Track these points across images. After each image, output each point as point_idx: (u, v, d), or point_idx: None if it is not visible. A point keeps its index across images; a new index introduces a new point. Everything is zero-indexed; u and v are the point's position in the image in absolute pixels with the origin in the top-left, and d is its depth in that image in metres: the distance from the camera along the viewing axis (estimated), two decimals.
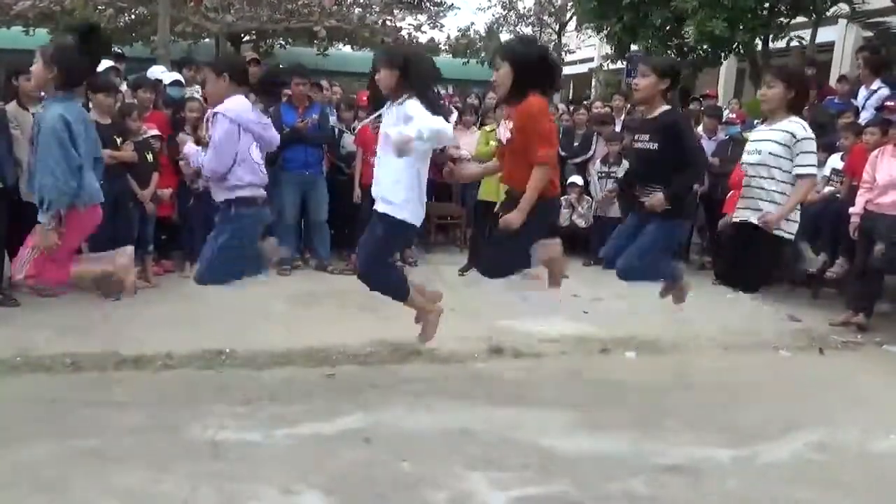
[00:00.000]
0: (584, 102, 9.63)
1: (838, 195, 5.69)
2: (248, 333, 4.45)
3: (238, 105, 3.32)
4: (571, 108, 8.25)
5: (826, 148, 6.10)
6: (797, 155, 3.48)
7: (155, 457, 3.03)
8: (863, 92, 6.88)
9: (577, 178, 7.17)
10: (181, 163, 5.64)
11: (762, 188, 3.59)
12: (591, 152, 7.35)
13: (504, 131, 3.37)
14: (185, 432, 3.25)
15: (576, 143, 7.46)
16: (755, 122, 7.75)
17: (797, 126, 3.50)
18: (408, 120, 3.15)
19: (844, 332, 5.09)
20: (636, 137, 3.69)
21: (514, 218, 3.25)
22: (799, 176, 3.51)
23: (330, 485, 2.88)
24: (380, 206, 3.35)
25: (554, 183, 3.37)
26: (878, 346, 4.89)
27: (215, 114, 3.26)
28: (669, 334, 4.85)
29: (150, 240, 5.71)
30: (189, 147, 3.43)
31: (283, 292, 5.59)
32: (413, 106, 3.19)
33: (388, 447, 3.20)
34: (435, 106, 3.23)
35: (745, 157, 3.71)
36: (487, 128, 6.69)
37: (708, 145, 7.06)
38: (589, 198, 7.17)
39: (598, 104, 8.54)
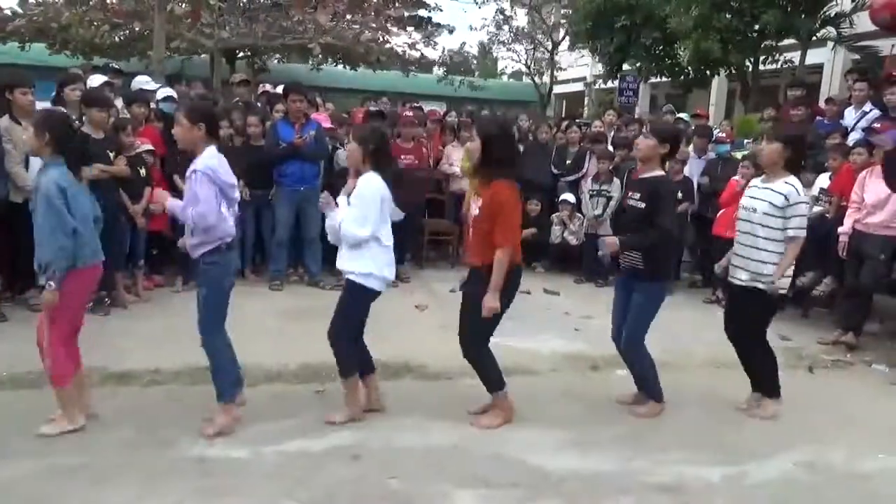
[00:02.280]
0: (577, 120, 9.69)
1: (827, 215, 5.74)
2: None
3: (216, 163, 3.34)
4: (564, 125, 8.29)
5: (814, 168, 6.17)
6: (790, 218, 3.65)
7: (141, 473, 3.01)
8: (852, 113, 6.96)
9: (569, 196, 7.21)
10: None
11: (754, 247, 3.74)
12: (583, 170, 7.40)
13: (474, 207, 3.63)
14: (173, 449, 3.23)
15: (568, 161, 7.51)
16: (745, 141, 7.85)
17: (792, 190, 3.65)
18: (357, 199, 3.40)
19: (834, 352, 5.11)
20: (629, 194, 3.90)
21: (492, 303, 3.44)
22: (789, 238, 3.67)
23: (318, 502, 2.86)
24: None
25: (514, 254, 3.52)
26: (867, 366, 4.91)
27: (195, 171, 3.29)
28: (659, 352, 4.83)
29: (141, 254, 5.70)
30: (172, 202, 3.45)
31: (274, 308, 5.58)
32: (364, 187, 3.40)
33: (376, 464, 3.19)
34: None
35: (741, 213, 3.87)
36: (469, 144, 6.74)
37: (698, 164, 7.14)
38: (581, 215, 7.21)
39: (598, 123, 8.61)
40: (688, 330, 5.34)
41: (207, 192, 3.26)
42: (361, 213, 3.38)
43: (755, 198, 3.77)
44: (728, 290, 3.98)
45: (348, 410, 3.60)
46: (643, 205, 3.69)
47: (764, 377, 3.96)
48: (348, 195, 3.51)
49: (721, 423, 3.83)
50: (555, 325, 5.33)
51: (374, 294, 3.52)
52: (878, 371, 4.84)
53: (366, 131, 3.61)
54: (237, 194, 3.57)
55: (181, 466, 3.09)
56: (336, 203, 3.53)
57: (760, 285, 3.71)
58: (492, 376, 3.67)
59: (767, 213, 3.68)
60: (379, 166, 3.46)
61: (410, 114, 7.44)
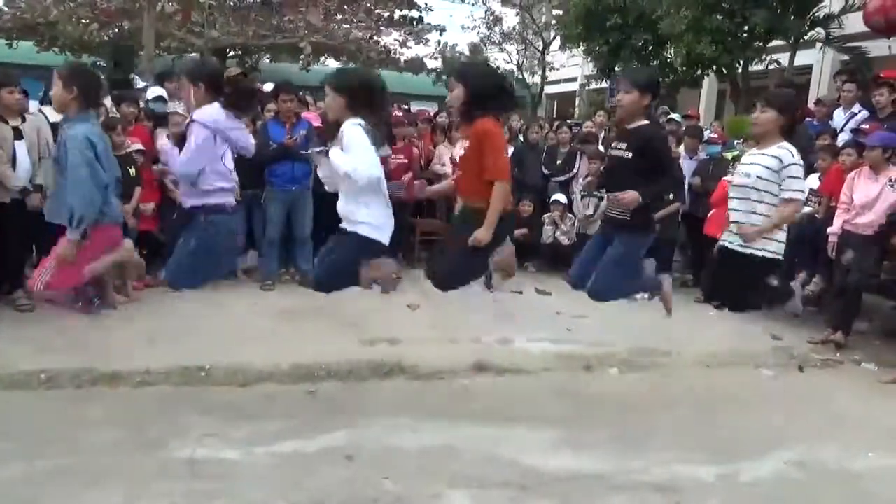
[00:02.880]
0: (568, 121, 9.72)
1: (816, 215, 5.78)
2: (229, 349, 4.40)
3: (213, 112, 3.32)
4: (555, 125, 8.31)
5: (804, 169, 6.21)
6: (784, 179, 3.58)
7: (132, 476, 2.98)
8: (841, 114, 7.01)
9: (560, 196, 7.22)
10: (165, 177, 5.63)
11: (750, 211, 3.66)
12: (574, 171, 7.41)
13: (459, 149, 3.44)
14: (163, 450, 3.20)
15: (559, 162, 7.52)
16: (735, 142, 7.88)
17: (786, 152, 3.59)
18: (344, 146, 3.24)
19: (824, 351, 5.14)
20: (613, 145, 3.79)
21: (483, 235, 3.33)
22: (784, 200, 3.60)
23: (311, 503, 2.84)
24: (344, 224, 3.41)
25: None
26: (856, 365, 4.94)
27: (192, 121, 3.29)
28: (652, 352, 4.87)
29: None
30: (163, 142, 3.43)
31: (265, 308, 5.55)
32: (350, 134, 3.24)
33: (370, 465, 3.17)
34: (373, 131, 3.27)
35: (734, 179, 3.79)
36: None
37: (689, 164, 7.16)
38: (572, 216, 7.22)
39: (589, 124, 8.62)
40: (679, 329, 5.35)
41: (198, 142, 3.23)
42: (361, 158, 3.20)
43: (750, 163, 3.71)
44: (719, 254, 3.87)
45: (395, 273, 3.51)
46: (629, 154, 3.58)
47: (768, 297, 3.91)
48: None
49: (714, 422, 3.84)
50: (547, 325, 5.33)
51: (379, 245, 3.38)
52: (867, 370, 4.88)
53: (344, 81, 3.38)
54: (247, 140, 3.52)
55: (172, 468, 3.07)
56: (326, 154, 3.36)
57: (756, 252, 3.62)
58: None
59: (761, 177, 3.60)
60: (362, 113, 3.28)
61: (400, 113, 7.42)
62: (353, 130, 3.24)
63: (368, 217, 3.34)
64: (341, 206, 3.39)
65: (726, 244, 3.78)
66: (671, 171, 3.63)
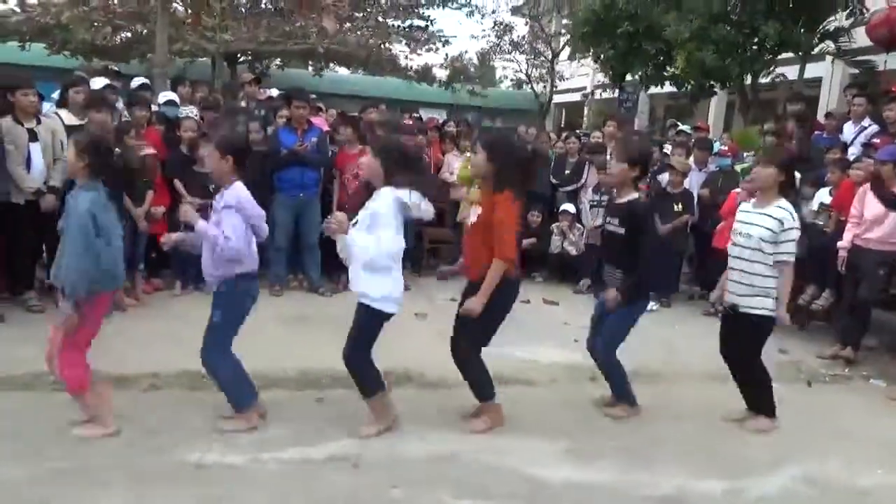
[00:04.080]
0: (577, 131, 9.73)
1: (827, 229, 5.76)
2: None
3: (242, 196, 3.42)
4: (563, 135, 8.31)
5: (814, 182, 6.20)
6: (781, 242, 3.71)
7: (138, 479, 2.99)
8: (850, 128, 7.00)
9: (569, 206, 7.22)
10: (184, 196, 5.67)
11: (751, 272, 3.78)
12: (582, 180, 7.41)
13: (473, 216, 3.63)
14: (170, 454, 3.21)
15: (567, 172, 7.53)
16: (744, 154, 7.87)
17: (787, 214, 3.72)
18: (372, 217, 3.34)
19: (832, 366, 5.12)
20: (608, 220, 3.96)
21: (474, 305, 3.46)
22: (781, 262, 3.73)
23: None
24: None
25: (510, 268, 3.52)
26: (865, 381, 4.92)
27: (228, 206, 3.38)
28: (658, 364, 4.86)
29: (141, 258, 5.69)
30: (204, 225, 3.45)
31: (273, 314, 5.55)
32: (380, 202, 3.34)
33: (376, 473, 3.17)
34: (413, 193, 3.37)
35: (735, 238, 3.91)
36: (469, 154, 6.76)
37: (698, 176, 7.16)
38: (580, 226, 7.22)
39: (598, 134, 8.63)
40: (687, 342, 5.35)
41: (237, 229, 3.34)
42: (381, 232, 3.31)
43: (750, 223, 3.82)
44: (724, 312, 4.03)
45: (379, 423, 3.56)
46: (622, 230, 3.75)
47: (760, 397, 3.98)
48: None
49: (720, 436, 3.83)
50: (553, 336, 5.33)
51: (389, 316, 3.48)
52: (876, 386, 4.85)
53: (385, 144, 3.54)
54: (264, 225, 3.61)
55: (179, 472, 3.08)
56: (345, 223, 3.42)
57: (758, 311, 3.77)
58: (481, 384, 3.69)
59: (763, 239, 3.73)
60: (398, 178, 3.36)
61: (410, 122, 7.44)
62: (380, 204, 3.34)
63: (376, 290, 3.39)
64: (351, 275, 3.46)
65: (733, 302, 3.88)
66: (644, 252, 3.71)
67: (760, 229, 3.74)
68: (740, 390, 4.03)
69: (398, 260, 3.48)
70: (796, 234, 3.73)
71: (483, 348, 3.69)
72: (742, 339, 3.90)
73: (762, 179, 3.81)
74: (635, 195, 3.80)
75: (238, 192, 3.41)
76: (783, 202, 3.75)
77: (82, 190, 3.28)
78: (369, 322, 3.45)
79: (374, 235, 3.32)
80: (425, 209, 3.50)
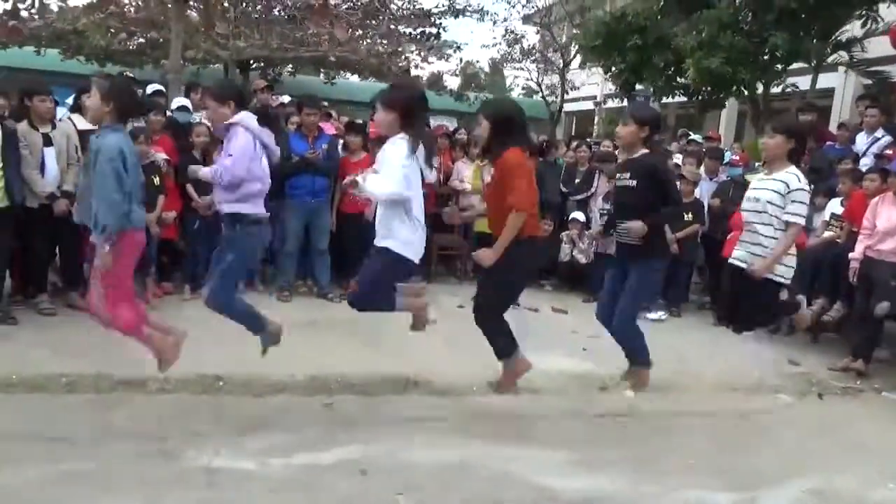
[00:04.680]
0: (588, 140, 9.73)
1: (838, 240, 5.73)
2: (247, 359, 4.40)
3: (248, 119, 3.49)
4: (574, 144, 8.32)
5: (826, 193, 6.17)
6: (789, 203, 3.71)
7: (147, 482, 3.00)
8: (863, 138, 6.96)
9: (578, 215, 7.21)
10: (195, 199, 5.73)
11: (760, 233, 3.79)
12: (592, 189, 7.40)
13: (487, 178, 3.56)
14: (180, 458, 3.23)
15: (577, 180, 7.53)
16: (756, 164, 7.84)
17: (793, 177, 3.73)
18: (381, 164, 3.41)
19: (844, 378, 5.07)
20: (618, 176, 3.96)
21: (485, 254, 3.47)
22: (786, 222, 3.72)
23: None
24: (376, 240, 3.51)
25: (531, 225, 3.50)
26: (877, 393, 4.88)
27: (233, 125, 3.44)
28: (668, 374, 4.82)
29: (151, 262, 5.72)
30: (204, 170, 3.56)
31: (282, 319, 5.52)
32: (389, 151, 3.39)
33: (383, 480, 3.17)
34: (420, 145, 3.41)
35: (745, 204, 3.93)
36: (480, 162, 6.77)
37: (709, 186, 7.14)
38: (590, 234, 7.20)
39: (607, 143, 8.63)
40: (697, 352, 5.32)
41: (243, 143, 3.37)
42: (387, 176, 3.35)
43: (759, 188, 3.85)
44: (731, 275, 3.98)
45: (424, 307, 3.68)
46: (634, 182, 3.73)
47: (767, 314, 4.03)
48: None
49: (730, 447, 3.80)
50: (563, 344, 5.31)
51: (409, 263, 3.46)
52: (888, 399, 4.81)
53: (398, 98, 3.51)
54: (274, 147, 3.67)
55: (188, 476, 3.09)
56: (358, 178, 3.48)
57: (767, 274, 3.72)
58: (500, 344, 3.69)
59: (770, 202, 3.73)
60: (410, 129, 3.40)
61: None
62: (394, 148, 3.38)
63: (397, 233, 3.42)
64: (377, 221, 3.50)
65: (736, 262, 3.89)
66: (673, 196, 3.78)
67: (767, 192, 3.76)
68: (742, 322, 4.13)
69: (418, 212, 3.46)
70: (804, 195, 3.72)
71: (489, 354, 3.67)
72: (747, 299, 3.89)
73: (770, 148, 3.83)
74: (646, 151, 3.79)
75: (244, 116, 3.46)
76: (792, 168, 3.76)
77: (109, 131, 3.37)
78: (387, 265, 3.45)
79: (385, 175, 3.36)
80: (428, 171, 3.54)
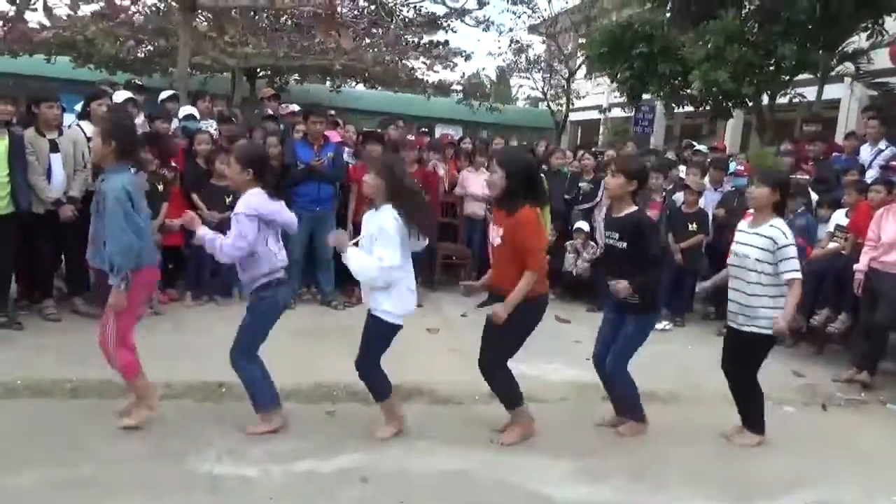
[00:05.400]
0: (593, 149, 9.73)
1: (843, 251, 5.71)
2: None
3: (257, 200, 3.51)
4: (579, 153, 8.33)
5: (831, 204, 6.16)
6: (780, 261, 3.73)
7: (150, 488, 3.02)
8: (867, 150, 6.96)
9: (583, 225, 7.21)
10: (200, 207, 5.77)
11: (747, 292, 3.81)
12: (598, 198, 7.40)
13: (495, 236, 3.70)
14: (182, 464, 3.24)
15: (581, 190, 7.52)
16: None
17: (779, 233, 3.75)
18: (372, 233, 3.49)
19: (848, 390, 5.05)
20: (607, 234, 3.98)
21: (500, 311, 3.53)
22: (787, 280, 3.74)
23: None
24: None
25: (540, 283, 3.61)
26: (881, 405, 4.85)
27: (236, 214, 3.49)
28: (672, 384, 4.83)
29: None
30: (204, 231, 3.60)
31: (286, 327, 5.50)
32: (380, 222, 3.46)
33: (385, 488, 3.18)
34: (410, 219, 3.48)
35: (732, 259, 3.96)
36: (492, 177, 6.77)
37: (713, 196, 7.13)
38: (594, 244, 7.20)
39: (611, 153, 8.64)
40: (700, 363, 5.30)
41: (241, 235, 3.42)
42: (380, 255, 3.42)
43: (745, 244, 3.86)
44: (727, 330, 4.06)
45: (391, 426, 3.71)
46: (623, 244, 3.78)
47: (752, 414, 4.01)
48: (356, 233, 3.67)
49: (733, 458, 3.79)
50: (565, 354, 5.30)
51: (397, 328, 3.61)
52: (892, 410, 4.78)
53: (387, 165, 3.62)
54: (290, 217, 3.71)
55: (190, 482, 3.10)
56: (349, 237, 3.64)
57: (756, 329, 3.79)
58: (509, 394, 3.75)
59: (759, 259, 3.76)
60: (399, 200, 3.48)
61: (413, 137, 7.47)
62: (384, 220, 3.45)
63: (384, 305, 3.53)
64: (363, 288, 3.65)
65: (733, 325, 3.92)
66: (652, 253, 3.79)
67: (754, 249, 3.79)
68: (737, 405, 4.06)
69: (406, 273, 3.57)
70: (793, 250, 3.74)
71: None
72: (740, 355, 3.94)
73: (756, 199, 3.85)
74: (633, 208, 3.82)
75: (249, 198, 3.49)
76: (777, 221, 3.79)
77: (113, 172, 3.41)
78: (378, 333, 3.59)
79: (374, 255, 3.43)
80: (418, 243, 3.61)
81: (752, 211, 3.97)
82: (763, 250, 3.75)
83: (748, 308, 3.80)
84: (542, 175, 3.84)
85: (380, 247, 3.43)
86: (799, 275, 3.74)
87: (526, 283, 3.50)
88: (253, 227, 3.45)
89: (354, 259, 3.47)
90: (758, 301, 3.77)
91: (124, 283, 3.33)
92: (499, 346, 3.68)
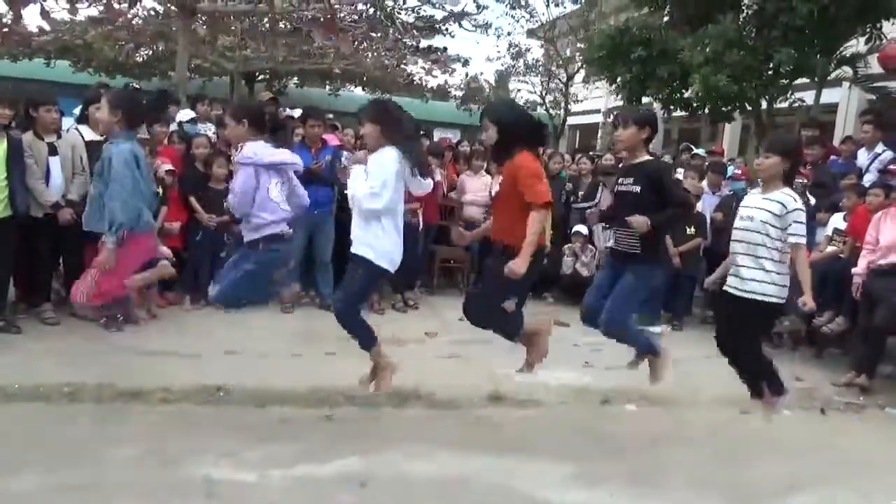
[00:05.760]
0: (590, 153, 9.75)
1: (841, 255, 5.72)
2: (248, 370, 4.43)
3: (254, 149, 3.54)
4: (577, 157, 8.34)
5: (829, 208, 6.17)
6: (790, 224, 3.59)
7: (148, 492, 3.01)
8: (864, 154, 6.97)
9: (581, 228, 7.22)
10: (198, 211, 5.80)
11: (752, 255, 3.66)
12: (596, 200, 7.39)
13: (495, 186, 3.53)
14: (180, 468, 3.23)
15: (581, 193, 7.53)
16: (759, 180, 7.84)
17: (789, 198, 3.63)
18: (377, 168, 3.48)
19: (847, 393, 5.05)
20: (620, 181, 3.88)
21: (518, 266, 3.34)
22: (792, 244, 3.60)
23: None
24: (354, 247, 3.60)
25: (542, 232, 3.49)
26: (880, 409, 4.85)
27: (238, 163, 3.56)
28: (670, 388, 4.81)
29: None
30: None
31: (284, 330, 5.59)
32: (375, 160, 3.49)
33: (384, 492, 3.16)
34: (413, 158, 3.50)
35: (738, 222, 3.78)
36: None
37: (712, 200, 7.14)
38: (592, 247, 7.21)
39: (609, 157, 8.65)
40: (699, 366, 5.29)
41: (241, 181, 3.47)
42: (377, 185, 3.42)
43: (753, 207, 3.72)
44: (723, 302, 3.85)
45: (386, 374, 3.73)
46: (638, 188, 3.68)
47: (768, 379, 3.84)
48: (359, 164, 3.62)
49: (732, 462, 3.78)
50: (564, 357, 5.28)
51: (385, 272, 3.57)
52: (891, 414, 4.78)
53: (378, 110, 3.62)
54: (290, 158, 3.71)
55: (187, 487, 3.08)
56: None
57: (757, 297, 3.62)
58: (508, 327, 3.69)
59: (766, 222, 3.62)
60: (396, 141, 3.48)
61: None
62: (384, 157, 3.44)
63: (376, 243, 3.50)
64: (354, 224, 3.60)
65: (728, 289, 3.76)
66: (678, 199, 3.70)
67: (763, 212, 3.64)
68: (742, 379, 3.92)
69: (397, 218, 3.56)
70: (802, 215, 3.61)
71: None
72: (744, 325, 3.75)
73: (766, 169, 3.71)
74: (648, 156, 3.76)
75: (247, 148, 3.53)
76: (787, 189, 3.67)
77: (121, 139, 3.47)
78: (361, 275, 3.55)
79: (374, 185, 3.43)
80: (422, 181, 3.61)
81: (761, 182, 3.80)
82: (772, 213, 3.59)
83: (751, 271, 3.62)
84: (532, 120, 3.69)
85: (372, 179, 3.43)
86: (804, 240, 3.60)
87: (535, 220, 3.33)
88: (250, 175, 3.48)
89: (359, 186, 3.48)
90: (766, 264, 3.60)
91: (117, 241, 3.37)
92: (499, 297, 3.53)
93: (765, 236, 3.63)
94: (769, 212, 3.63)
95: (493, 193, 3.67)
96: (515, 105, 4.07)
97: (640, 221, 3.58)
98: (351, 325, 3.63)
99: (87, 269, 3.52)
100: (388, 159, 3.46)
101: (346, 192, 3.74)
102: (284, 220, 3.64)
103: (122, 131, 3.50)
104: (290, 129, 7.11)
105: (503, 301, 3.55)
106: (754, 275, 3.64)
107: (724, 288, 3.82)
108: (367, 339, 3.67)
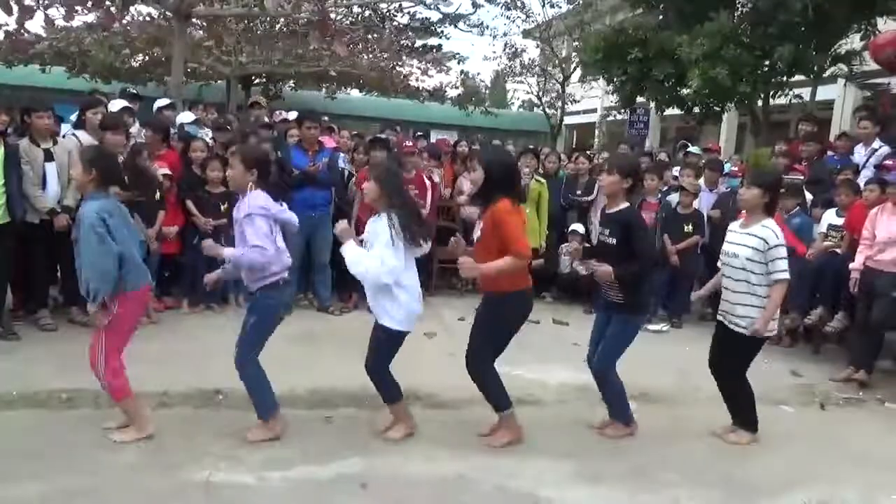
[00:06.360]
0: (587, 151, 9.75)
1: (837, 251, 5.73)
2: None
3: (264, 200, 3.55)
4: (574, 155, 8.34)
5: (825, 204, 6.17)
6: (771, 261, 3.75)
7: (148, 497, 3.01)
8: (861, 150, 6.98)
9: (578, 227, 7.22)
10: (195, 215, 5.78)
11: (737, 291, 3.86)
12: (594, 195, 7.39)
13: (477, 231, 3.71)
14: (180, 472, 3.22)
15: (579, 192, 7.53)
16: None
17: (770, 233, 3.77)
18: (373, 238, 3.53)
19: (846, 389, 5.05)
20: (599, 231, 4.02)
21: (469, 264, 3.48)
22: (775, 281, 3.77)
23: None
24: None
25: (522, 276, 3.61)
26: (879, 404, 4.86)
27: (248, 215, 3.48)
28: (670, 385, 4.83)
29: (153, 277, 5.73)
30: (229, 251, 3.62)
31: (283, 332, 5.49)
32: (371, 231, 3.54)
33: (384, 493, 3.17)
34: (405, 228, 3.49)
35: (723, 258, 3.99)
36: (472, 175, 6.78)
37: (709, 197, 7.15)
38: (589, 246, 7.20)
39: (606, 155, 8.67)
40: (697, 364, 5.29)
41: (262, 234, 3.45)
42: (381, 256, 3.45)
43: (736, 243, 3.89)
44: (718, 326, 4.08)
45: (403, 427, 3.73)
46: (613, 240, 3.79)
47: (743, 411, 4.02)
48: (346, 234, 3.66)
49: (731, 459, 3.79)
50: (563, 356, 5.30)
51: (404, 334, 3.64)
52: (890, 409, 4.78)
53: (381, 170, 3.68)
54: (292, 216, 3.76)
55: (186, 490, 3.09)
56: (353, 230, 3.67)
57: (740, 330, 3.83)
58: (496, 395, 3.74)
59: (749, 259, 3.79)
60: (393, 206, 3.52)
61: (410, 143, 7.47)
62: (378, 227, 3.50)
63: (389, 312, 3.56)
64: (367, 294, 3.67)
65: (719, 317, 3.99)
66: (644, 253, 3.81)
67: (745, 249, 3.81)
68: (726, 403, 4.08)
69: (409, 277, 3.59)
70: (782, 251, 3.76)
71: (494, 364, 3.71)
72: (730, 354, 3.97)
73: (747, 200, 3.88)
74: (625, 205, 3.83)
75: (255, 199, 3.52)
76: (768, 221, 3.81)
77: (90, 199, 3.40)
78: (385, 340, 3.62)
79: (376, 254, 3.46)
80: (417, 249, 3.64)
81: (744, 212, 4.00)
82: (754, 249, 3.77)
83: (737, 307, 3.84)
84: (517, 174, 3.86)
85: (379, 247, 3.46)
86: (787, 276, 3.77)
87: (507, 263, 3.42)
88: (267, 225, 3.49)
89: (350, 250, 3.54)
90: (744, 299, 3.81)
91: (100, 308, 3.32)
92: (485, 340, 3.67)
93: (749, 273, 3.81)
94: (751, 247, 3.79)
95: (475, 238, 3.75)
96: (507, 155, 4.25)
97: (603, 272, 3.71)
98: (379, 383, 3.70)
99: (94, 344, 3.44)
100: (381, 230, 3.49)
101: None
102: (285, 270, 3.65)
103: (94, 191, 3.41)
104: (282, 132, 7.14)
105: (492, 345, 3.69)
106: (743, 311, 3.83)
107: (717, 316, 4.04)
108: (392, 395, 3.72)
